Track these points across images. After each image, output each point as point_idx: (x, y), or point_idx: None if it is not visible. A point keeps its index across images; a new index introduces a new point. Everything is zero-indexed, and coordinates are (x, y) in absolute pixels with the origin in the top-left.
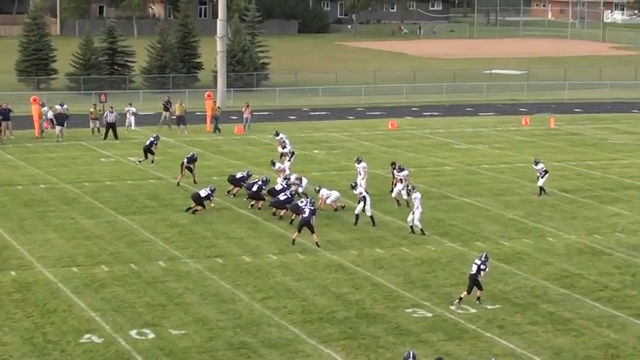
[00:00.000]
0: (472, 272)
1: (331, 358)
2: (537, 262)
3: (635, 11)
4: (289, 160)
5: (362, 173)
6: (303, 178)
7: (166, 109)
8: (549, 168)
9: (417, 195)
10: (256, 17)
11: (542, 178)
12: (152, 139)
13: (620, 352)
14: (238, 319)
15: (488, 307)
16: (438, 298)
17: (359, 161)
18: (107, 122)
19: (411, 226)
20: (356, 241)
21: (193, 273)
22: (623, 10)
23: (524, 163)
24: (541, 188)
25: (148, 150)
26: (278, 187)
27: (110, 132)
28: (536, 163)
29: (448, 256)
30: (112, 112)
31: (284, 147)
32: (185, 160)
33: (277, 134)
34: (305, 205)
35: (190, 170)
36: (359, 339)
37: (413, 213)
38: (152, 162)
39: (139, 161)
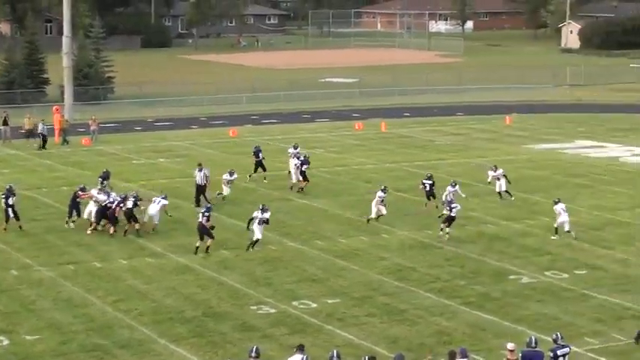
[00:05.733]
0: None
1: (182, 356)
2: (373, 258)
3: (458, 21)
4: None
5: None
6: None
7: (5, 123)
8: (383, 169)
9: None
10: (100, 33)
11: (499, 181)
12: None
13: (452, 339)
14: (91, 322)
15: (329, 301)
16: (281, 295)
17: (200, 169)
18: None
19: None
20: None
21: (46, 280)
22: (446, 20)
23: (359, 166)
24: (503, 192)
25: None
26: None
27: None
28: (495, 169)
29: (289, 255)
30: None
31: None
32: None
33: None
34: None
35: None
36: (207, 336)
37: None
38: None
39: None
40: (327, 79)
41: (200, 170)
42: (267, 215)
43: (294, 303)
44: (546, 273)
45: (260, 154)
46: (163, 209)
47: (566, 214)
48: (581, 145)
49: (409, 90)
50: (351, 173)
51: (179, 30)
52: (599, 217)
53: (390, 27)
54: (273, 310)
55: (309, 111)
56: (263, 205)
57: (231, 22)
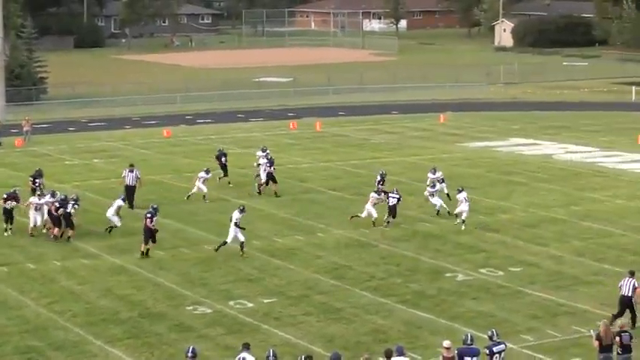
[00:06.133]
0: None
1: (117, 357)
2: (309, 257)
3: (392, 20)
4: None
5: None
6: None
7: None
8: (318, 169)
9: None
10: (32, 34)
11: (441, 183)
12: None
13: (388, 337)
14: (25, 324)
15: (265, 300)
16: (218, 294)
17: (132, 170)
18: None
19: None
20: (138, 244)
21: None
22: (380, 19)
23: (294, 165)
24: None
25: None
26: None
27: None
28: (435, 171)
29: (224, 255)
30: None
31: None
32: None
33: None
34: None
35: None
36: (143, 337)
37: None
38: None
39: None
40: (261, 79)
41: (131, 171)
42: (237, 217)
43: (231, 303)
44: (481, 270)
45: (223, 158)
46: (118, 210)
47: (467, 204)
48: (516, 143)
49: (344, 89)
50: (286, 173)
51: (112, 30)
52: (533, 215)
53: (324, 26)
54: (209, 311)
55: (244, 110)
56: (242, 206)
57: (164, 22)
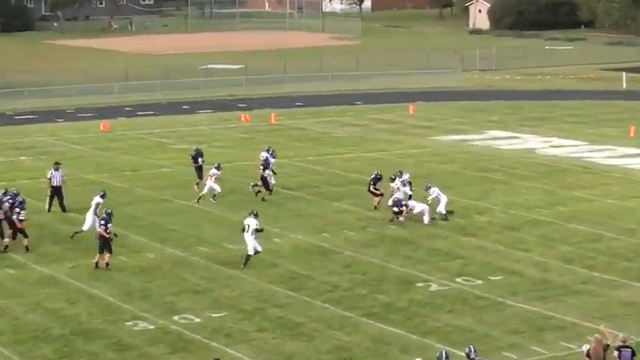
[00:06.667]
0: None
1: None
2: (264, 265)
3: (354, 0)
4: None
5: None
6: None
7: None
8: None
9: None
10: None
11: (405, 186)
12: None
13: (353, 355)
14: None
15: (214, 315)
16: (161, 308)
17: (57, 169)
18: None
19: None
20: (70, 252)
21: None
22: None
23: (247, 162)
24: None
25: None
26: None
27: None
28: (401, 174)
29: (168, 263)
30: None
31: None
32: None
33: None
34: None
35: None
36: (76, 357)
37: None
38: None
39: None
40: (209, 66)
41: (57, 170)
42: (255, 223)
43: (175, 318)
44: (457, 279)
45: (200, 159)
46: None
47: (444, 197)
48: (493, 136)
49: (301, 77)
50: (237, 170)
51: (42, 12)
52: (515, 216)
53: (280, 7)
54: (151, 326)
55: (190, 101)
56: (254, 210)
57: (101, 4)
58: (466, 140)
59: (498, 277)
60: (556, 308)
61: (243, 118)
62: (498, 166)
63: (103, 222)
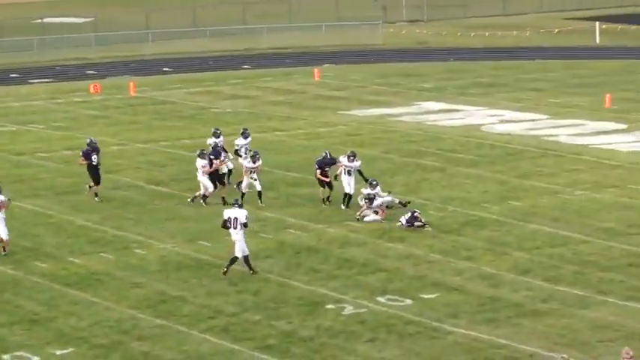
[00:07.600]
0: None
1: None
2: (123, 285)
3: None
4: None
5: None
6: None
7: None
8: (132, 152)
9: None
10: None
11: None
12: None
13: None
14: None
15: (58, 352)
16: None
17: None
18: None
19: None
20: None
21: None
22: None
23: (102, 147)
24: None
25: None
26: None
27: None
28: (354, 158)
29: None
30: None
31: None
32: None
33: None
34: None
35: None
36: None
37: None
38: None
39: None
40: (46, 20)
41: None
42: (245, 216)
43: (5, 357)
44: (380, 299)
45: (94, 157)
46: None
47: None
48: (426, 109)
49: (169, 32)
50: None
51: None
52: (454, 214)
53: None
54: None
55: (21, 68)
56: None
57: None
58: (390, 115)
59: (433, 295)
60: (509, 335)
61: (92, 89)
62: (434, 149)
63: None
